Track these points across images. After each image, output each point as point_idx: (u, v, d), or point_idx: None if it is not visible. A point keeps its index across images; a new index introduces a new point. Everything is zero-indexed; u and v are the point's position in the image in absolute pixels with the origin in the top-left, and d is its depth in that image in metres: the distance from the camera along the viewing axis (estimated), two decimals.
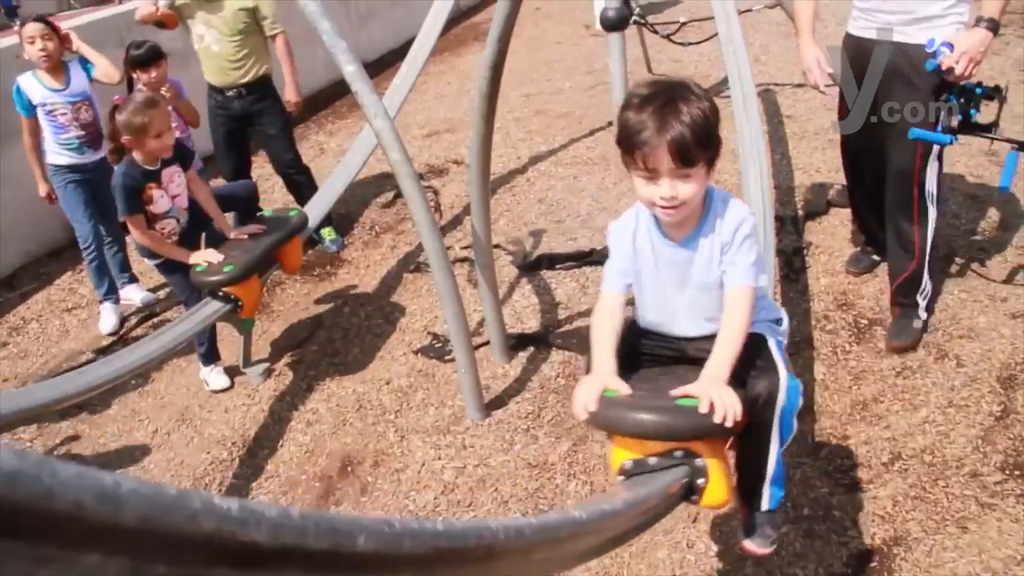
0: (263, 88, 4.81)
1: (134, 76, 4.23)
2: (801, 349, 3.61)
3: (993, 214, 4.42)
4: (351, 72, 2.96)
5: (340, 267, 4.85)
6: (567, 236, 4.85)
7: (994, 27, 3.12)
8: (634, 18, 5.99)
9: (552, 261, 4.57)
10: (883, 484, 2.95)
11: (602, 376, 1.86)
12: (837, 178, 4.95)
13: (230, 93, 4.69)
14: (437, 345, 4.00)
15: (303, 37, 7.41)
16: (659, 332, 2.07)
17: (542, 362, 3.79)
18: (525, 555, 1.14)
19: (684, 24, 6.37)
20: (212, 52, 4.64)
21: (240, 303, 3.53)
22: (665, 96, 1.75)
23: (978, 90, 3.12)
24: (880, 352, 3.57)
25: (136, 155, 3.38)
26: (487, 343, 3.81)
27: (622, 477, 1.84)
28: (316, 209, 4.26)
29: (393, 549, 0.87)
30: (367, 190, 5.75)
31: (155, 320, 4.52)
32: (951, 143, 3.19)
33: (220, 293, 3.49)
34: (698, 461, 1.79)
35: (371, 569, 0.86)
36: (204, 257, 3.51)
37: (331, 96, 7.82)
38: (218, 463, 3.43)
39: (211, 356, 3.89)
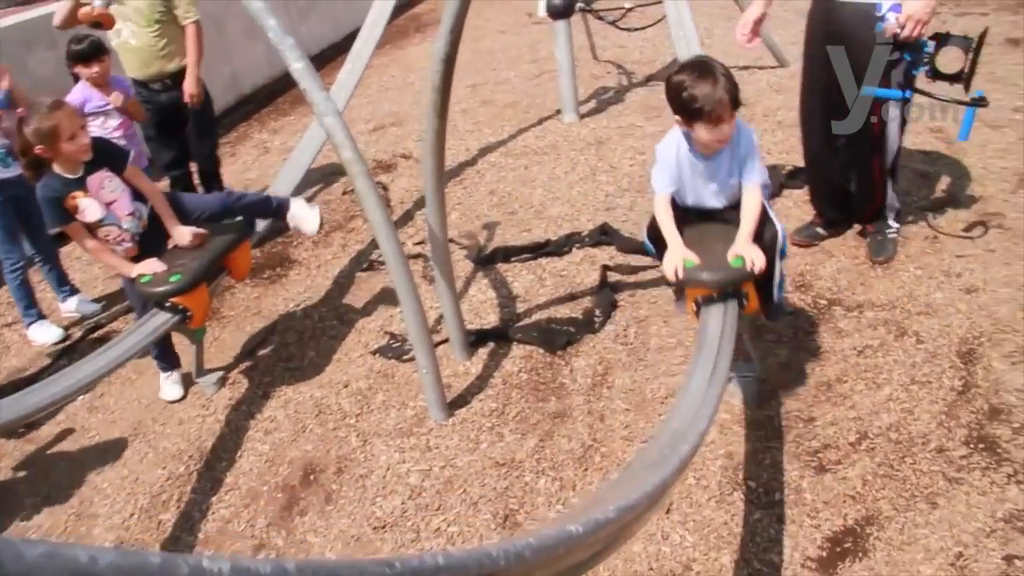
0: (176, 79, 4.75)
1: (76, 72, 4.07)
2: (762, 333, 3.61)
3: (942, 191, 4.46)
4: (299, 69, 2.86)
5: (291, 268, 4.73)
6: (521, 228, 4.79)
7: None
8: (579, 5, 5.95)
9: (508, 254, 4.51)
10: (852, 464, 2.95)
11: (679, 251, 2.76)
12: (789, 159, 4.98)
13: (156, 86, 4.58)
14: (395, 345, 3.92)
15: (244, 33, 7.29)
16: (694, 207, 2.97)
17: (503, 358, 3.74)
18: None
19: (630, 10, 6.34)
20: (131, 46, 4.54)
21: (189, 313, 3.40)
22: (711, 70, 2.61)
23: (925, 47, 3.20)
24: (841, 332, 3.58)
25: (55, 166, 3.23)
26: (446, 340, 3.74)
27: (695, 307, 2.79)
28: None
29: None
30: (313, 187, 5.62)
31: (102, 332, 4.36)
32: (902, 98, 3.26)
33: (167, 304, 3.36)
34: (741, 291, 2.76)
35: None
36: (148, 268, 3.38)
37: (272, 93, 7.67)
38: (175, 478, 3.31)
39: (168, 362, 3.77)
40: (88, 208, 3.31)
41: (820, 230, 4.23)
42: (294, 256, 4.84)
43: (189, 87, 4.71)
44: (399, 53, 8.39)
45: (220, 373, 3.83)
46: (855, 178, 3.92)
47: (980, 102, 3.38)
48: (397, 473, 3.17)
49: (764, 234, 2.80)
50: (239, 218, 3.78)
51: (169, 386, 3.76)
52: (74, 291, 4.54)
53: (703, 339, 2.59)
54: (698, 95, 2.57)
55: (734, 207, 2.87)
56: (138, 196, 3.46)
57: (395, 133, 6.44)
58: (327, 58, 8.29)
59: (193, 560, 0.63)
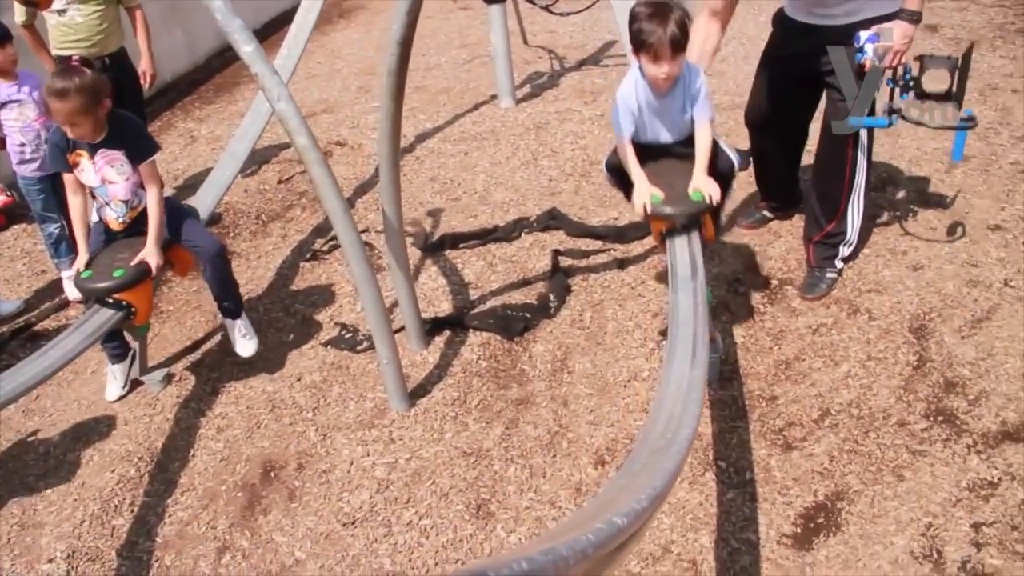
0: (123, 59, 4.64)
1: None
2: (718, 314, 3.63)
3: (881, 172, 4.56)
4: (249, 53, 2.73)
5: (230, 260, 4.56)
6: (467, 214, 4.73)
7: (916, 18, 3.20)
8: None
9: (456, 240, 4.44)
10: (817, 441, 2.99)
11: (646, 187, 2.94)
12: (735, 142, 5.01)
13: (96, 65, 4.38)
14: (347, 336, 3.82)
15: (161, 20, 7.00)
16: (650, 142, 3.10)
17: (460, 345, 3.68)
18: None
19: None
20: (76, 24, 4.39)
21: (133, 309, 3.24)
22: (663, 11, 2.72)
23: (907, 75, 3.18)
24: (795, 311, 3.63)
25: None
26: (401, 329, 3.66)
27: (662, 238, 2.98)
28: (206, 200, 3.98)
29: None
30: (247, 177, 5.44)
31: (31, 331, 4.14)
32: (891, 125, 3.23)
33: (110, 300, 3.19)
34: (701, 221, 2.95)
35: None
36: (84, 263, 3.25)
37: (194, 81, 7.40)
38: (126, 481, 3.16)
39: (119, 350, 3.59)
40: (86, 171, 3.23)
41: (767, 214, 4.29)
42: (233, 248, 4.68)
43: (147, 66, 4.69)
44: (324, 39, 8.18)
45: (165, 370, 3.67)
46: (814, 196, 3.80)
47: (970, 122, 3.35)
48: (362, 467, 3.09)
49: (718, 165, 3.03)
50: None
51: (112, 381, 3.60)
52: None
53: (675, 269, 2.80)
54: (645, 29, 2.75)
55: (686, 141, 3.07)
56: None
57: (327, 120, 6.29)
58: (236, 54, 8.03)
59: None
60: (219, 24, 2.76)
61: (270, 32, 8.19)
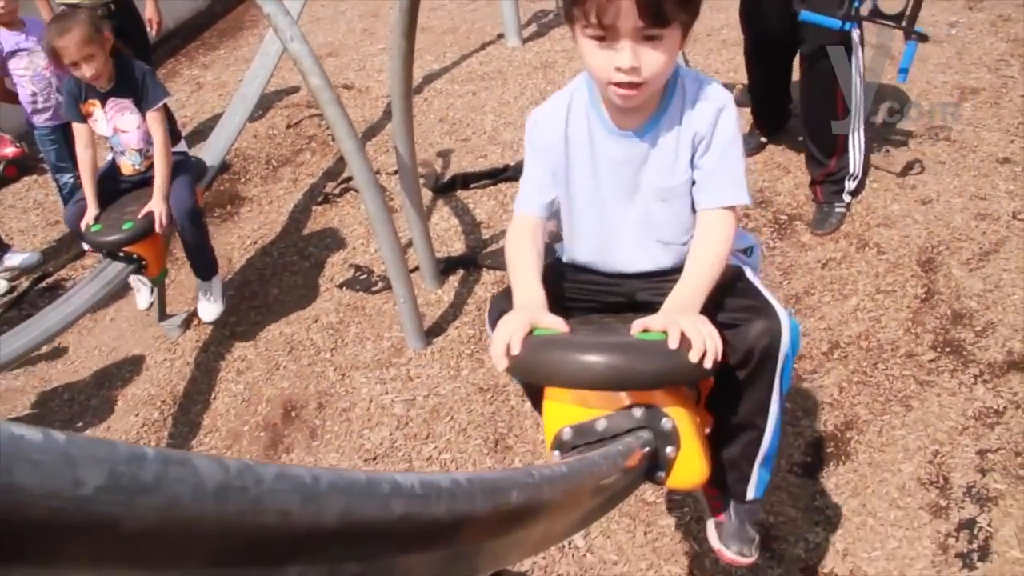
0: (128, 5, 4.60)
1: None
2: None
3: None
4: None
5: (241, 205, 4.61)
6: (476, 154, 4.74)
7: None
8: None
9: (466, 180, 4.46)
10: (827, 372, 3.04)
11: (529, 309, 1.40)
12: (735, 78, 4.99)
13: (99, 11, 4.35)
14: (362, 277, 3.87)
15: None
16: (594, 270, 1.62)
17: (474, 284, 3.73)
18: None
19: None
20: None
21: (144, 262, 3.26)
22: None
23: None
24: (804, 246, 3.66)
25: None
26: (416, 269, 3.70)
27: (557, 453, 1.38)
28: (218, 145, 4.01)
29: (535, 498, 0.81)
30: (254, 122, 5.44)
31: (49, 280, 4.20)
32: (843, 28, 3.27)
33: (121, 253, 3.20)
34: (664, 422, 1.33)
35: (521, 520, 0.80)
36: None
37: (198, 27, 7.34)
38: (150, 424, 3.25)
39: None
40: (99, 121, 3.25)
41: (763, 139, 4.33)
42: (243, 193, 4.71)
43: (152, 13, 4.72)
44: None
45: (183, 315, 3.74)
46: (808, 135, 3.81)
47: (922, 37, 3.40)
48: (381, 404, 3.16)
49: (749, 326, 1.41)
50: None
51: (140, 290, 3.66)
52: (4, 247, 4.29)
53: None
54: None
55: (676, 270, 1.50)
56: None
57: (333, 64, 6.25)
58: None
59: (390, 477, 0.62)
60: None
61: None
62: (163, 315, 3.68)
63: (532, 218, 1.60)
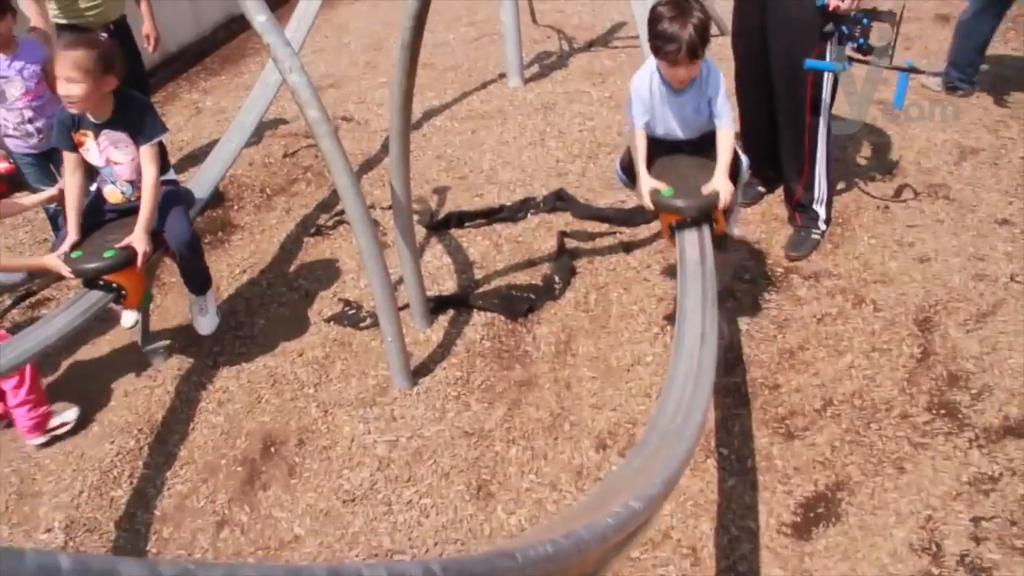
0: (124, 27, 4.59)
1: None
2: (723, 300, 3.61)
3: (891, 163, 4.54)
4: (262, 23, 2.70)
5: (233, 233, 4.55)
6: (473, 192, 4.71)
7: None
8: None
9: (461, 219, 4.42)
10: (819, 430, 2.99)
11: (649, 181, 2.99)
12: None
13: (102, 34, 4.34)
14: (350, 312, 3.81)
15: None
16: (664, 138, 3.14)
17: (464, 325, 3.67)
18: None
19: None
20: None
21: (123, 292, 3.15)
22: (683, 14, 2.72)
23: (864, 20, 3.30)
24: (800, 300, 3.62)
25: None
26: (406, 307, 3.64)
27: (670, 231, 2.98)
28: (212, 172, 3.96)
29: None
30: (250, 149, 5.40)
31: (33, 299, 4.13)
32: (844, 69, 3.44)
33: (100, 282, 3.10)
34: (711, 216, 2.94)
35: None
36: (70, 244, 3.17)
37: (200, 52, 7.34)
38: (125, 452, 3.16)
39: None
40: (91, 151, 3.19)
41: (761, 188, 4.35)
42: (236, 221, 4.66)
43: (149, 29, 4.69)
44: (331, 13, 8.10)
45: (166, 342, 3.66)
46: (783, 160, 3.99)
47: (913, 69, 3.52)
48: (363, 444, 3.08)
49: (733, 166, 3.03)
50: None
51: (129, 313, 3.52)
52: None
53: (684, 261, 2.82)
54: (664, 34, 2.75)
55: (700, 139, 3.12)
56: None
57: (333, 95, 6.24)
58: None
59: (354, 570, 0.56)
60: None
61: (276, 5, 8.12)
62: (146, 341, 3.60)
63: (641, 127, 3.06)
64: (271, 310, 3.91)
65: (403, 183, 3.27)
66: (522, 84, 6.07)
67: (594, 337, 3.53)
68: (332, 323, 3.76)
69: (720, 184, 2.89)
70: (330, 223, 4.52)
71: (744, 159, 3.09)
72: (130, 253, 3.09)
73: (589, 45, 6.78)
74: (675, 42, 2.71)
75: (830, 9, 3.36)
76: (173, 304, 4.01)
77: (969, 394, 3.06)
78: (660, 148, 3.13)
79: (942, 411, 3.00)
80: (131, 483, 3.04)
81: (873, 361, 3.26)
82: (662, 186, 2.95)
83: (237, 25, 7.82)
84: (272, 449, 3.11)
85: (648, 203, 2.98)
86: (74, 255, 3.12)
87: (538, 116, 5.55)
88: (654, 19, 2.78)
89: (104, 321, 3.81)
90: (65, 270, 3.10)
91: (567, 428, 3.10)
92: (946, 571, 2.43)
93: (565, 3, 7.58)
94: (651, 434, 1.78)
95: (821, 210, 3.88)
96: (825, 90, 3.63)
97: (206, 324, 3.58)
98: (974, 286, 3.56)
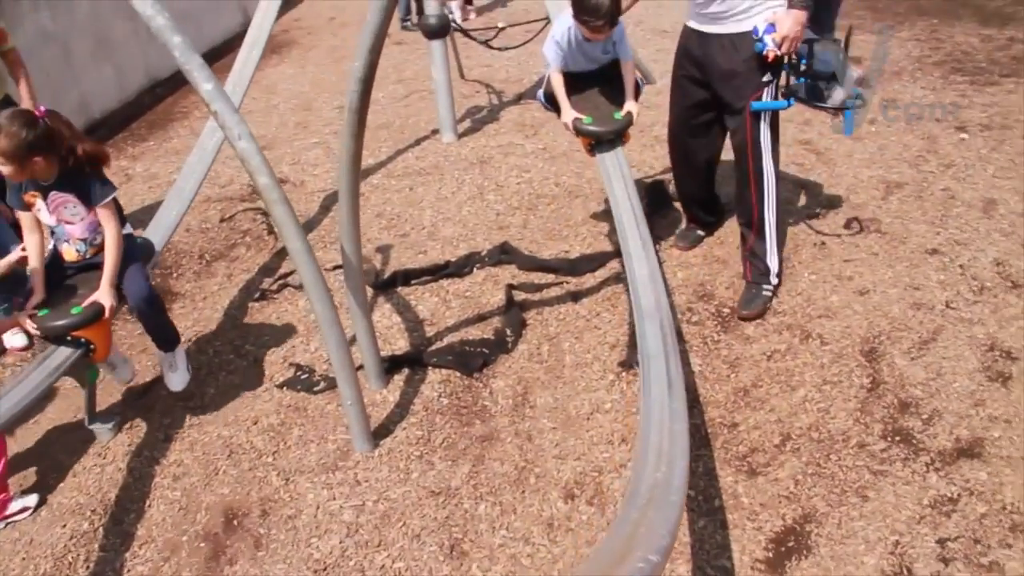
0: (9, 107, 4.40)
1: None
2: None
3: (822, 200, 4.70)
4: (209, 91, 2.69)
5: (174, 301, 4.46)
6: (416, 250, 4.71)
7: (806, 4, 3.37)
8: (453, 25, 5.93)
9: (408, 277, 4.42)
10: (780, 465, 3.04)
11: (571, 113, 3.65)
12: (667, 175, 5.11)
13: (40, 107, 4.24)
14: (303, 376, 3.76)
15: (91, 56, 6.87)
16: (576, 72, 3.74)
17: (420, 383, 3.65)
18: None
19: (502, 29, 6.37)
20: None
21: (92, 347, 3.19)
22: None
23: (803, 59, 3.48)
24: (748, 338, 3.70)
25: None
26: (360, 368, 3.61)
27: (591, 148, 3.73)
28: (155, 240, 3.87)
29: None
30: (186, 216, 5.32)
31: None
32: (789, 106, 3.56)
33: (68, 338, 3.14)
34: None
35: None
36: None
37: (126, 118, 7.23)
38: (79, 536, 3.04)
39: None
40: (42, 211, 3.20)
41: (699, 232, 4.45)
42: (176, 288, 4.57)
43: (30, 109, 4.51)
44: (258, 75, 7.96)
45: (115, 417, 3.55)
46: (736, 210, 4.05)
47: (857, 100, 3.65)
48: (329, 511, 3.03)
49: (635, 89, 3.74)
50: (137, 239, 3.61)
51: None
52: None
53: (614, 196, 3.46)
54: (588, 7, 3.32)
55: (604, 68, 3.75)
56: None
57: (266, 157, 6.20)
58: (180, 80, 7.88)
59: None
60: (178, 61, 2.72)
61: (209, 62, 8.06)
62: (92, 417, 3.49)
63: (558, 69, 3.67)
64: (220, 378, 3.83)
65: (354, 244, 3.26)
66: (456, 139, 6.13)
67: (551, 388, 3.55)
68: (285, 388, 3.70)
69: (630, 107, 3.64)
70: (274, 287, 4.47)
71: (643, 83, 3.85)
72: (97, 308, 3.13)
73: (519, 98, 6.89)
74: (599, 16, 3.31)
75: (770, 60, 3.44)
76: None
77: (920, 419, 3.15)
78: (573, 82, 3.72)
79: (897, 438, 3.09)
80: (88, 568, 2.92)
81: (825, 394, 3.34)
82: (583, 116, 3.62)
83: (163, 89, 7.75)
84: (235, 522, 3.03)
85: (570, 128, 3.68)
86: (41, 313, 3.15)
87: (475, 170, 5.60)
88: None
89: (45, 399, 3.69)
90: (33, 328, 3.13)
91: (533, 481, 3.09)
92: None
93: (491, 58, 7.69)
94: (639, 485, 1.80)
95: (773, 263, 3.84)
96: (763, 133, 3.67)
97: (177, 380, 3.61)
98: (913, 315, 3.70)
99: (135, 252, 3.42)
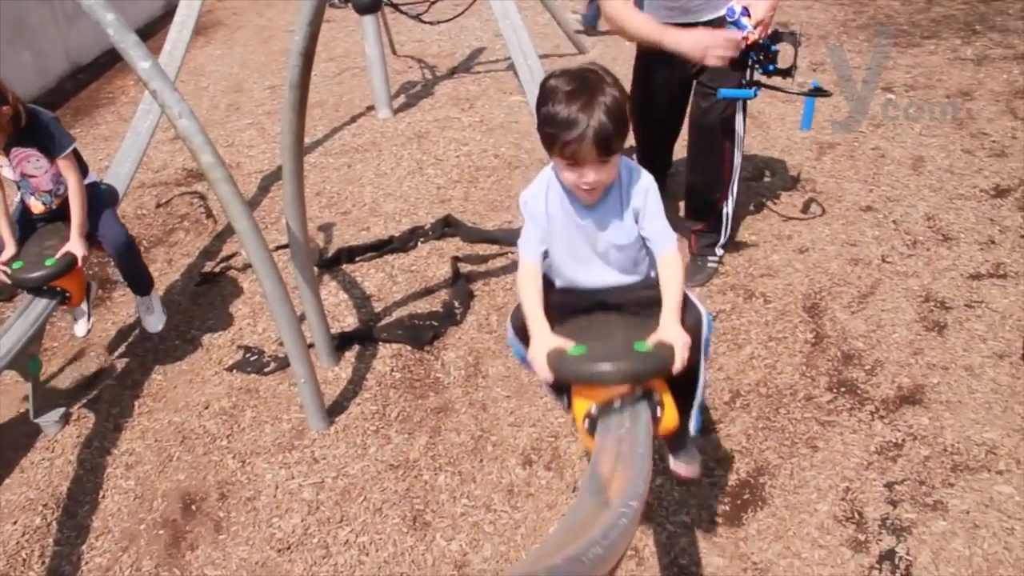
0: None
1: None
2: None
3: (759, 162, 4.79)
4: (146, 69, 2.64)
5: (113, 289, 4.36)
6: (359, 227, 4.68)
7: None
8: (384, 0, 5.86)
9: (352, 254, 4.39)
10: (732, 421, 3.12)
11: (548, 340, 2.03)
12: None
13: None
14: (252, 358, 3.72)
15: (6, 41, 6.62)
16: (574, 287, 2.25)
17: (372, 359, 3.64)
18: None
19: (434, 2, 6.32)
20: None
21: (68, 294, 3.41)
22: (588, 91, 1.90)
23: (771, 47, 3.37)
24: None
25: None
26: (311, 346, 3.58)
27: (587, 422, 1.98)
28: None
29: None
30: (122, 202, 5.20)
31: None
32: (755, 95, 3.44)
33: (45, 288, 3.31)
34: (655, 395, 2.00)
35: None
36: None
37: (47, 105, 6.89)
38: (32, 532, 2.98)
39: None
40: (4, 167, 3.29)
41: None
42: (114, 276, 4.47)
43: None
44: (186, 57, 7.90)
45: (61, 410, 3.47)
46: (692, 192, 4.00)
47: (820, 92, 3.63)
48: (288, 490, 3.02)
49: (684, 319, 2.05)
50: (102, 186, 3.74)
51: (81, 316, 3.72)
52: None
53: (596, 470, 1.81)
54: (559, 118, 1.91)
55: (629, 287, 2.21)
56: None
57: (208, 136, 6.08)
58: (104, 65, 7.69)
59: None
60: (112, 40, 2.66)
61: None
62: (37, 410, 3.41)
63: (533, 262, 2.16)
64: (167, 365, 3.77)
65: (299, 221, 3.23)
66: (392, 115, 6.08)
67: (502, 357, 3.57)
68: (235, 371, 3.66)
69: (671, 333, 1.97)
70: (216, 270, 4.40)
71: (704, 312, 2.12)
72: (70, 259, 3.28)
73: (452, 72, 6.86)
74: (576, 127, 1.87)
75: (748, 43, 3.35)
76: (62, 369, 3.81)
77: (864, 370, 3.26)
78: (575, 305, 2.22)
79: (842, 389, 3.19)
80: (43, 563, 2.86)
81: (771, 350, 3.42)
82: (569, 344, 1.98)
83: (85, 76, 7.52)
84: (193, 507, 3.00)
85: (546, 374, 1.98)
86: (15, 266, 3.28)
87: (412, 145, 5.57)
88: (546, 96, 1.96)
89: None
90: (8, 282, 3.29)
91: (490, 449, 3.12)
92: (871, 536, 2.58)
93: (423, 32, 7.63)
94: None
95: (723, 238, 3.88)
96: (739, 117, 3.68)
97: (154, 322, 3.84)
98: (851, 270, 3.81)
99: (103, 199, 3.56)
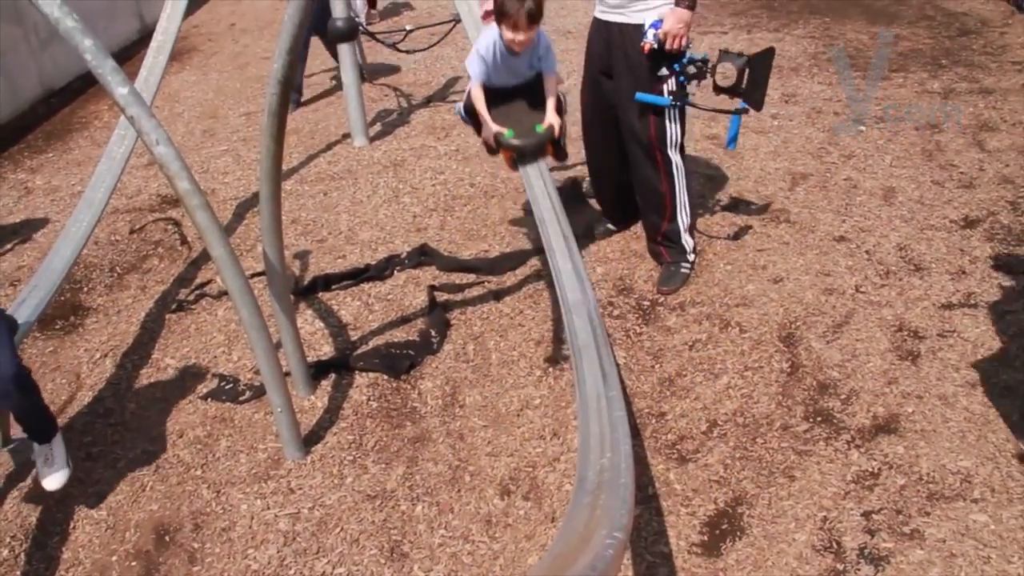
0: None
1: None
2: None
3: (732, 192, 4.84)
4: (124, 95, 2.62)
5: (86, 316, 4.31)
6: (334, 255, 4.67)
7: (691, 5, 3.55)
8: (361, 28, 5.89)
9: (328, 282, 4.37)
10: (709, 451, 3.12)
11: (492, 126, 3.42)
12: (584, 171, 5.19)
13: None
14: (227, 387, 3.68)
15: None
16: (502, 88, 3.51)
17: (348, 388, 3.62)
18: None
19: (410, 32, 6.36)
20: None
21: None
22: None
23: (699, 61, 3.65)
24: (669, 330, 3.78)
25: None
26: (287, 375, 3.55)
27: (513, 162, 3.50)
28: (65, 253, 3.72)
29: None
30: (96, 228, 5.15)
31: None
32: (670, 105, 3.72)
33: None
34: (546, 146, 3.47)
35: None
36: None
37: (20, 128, 6.94)
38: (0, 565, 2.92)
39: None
40: None
41: (611, 227, 4.58)
42: (87, 303, 4.42)
43: None
44: (161, 82, 7.88)
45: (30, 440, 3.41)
46: (641, 200, 4.17)
47: (743, 111, 3.78)
48: (264, 521, 2.98)
49: (557, 109, 3.50)
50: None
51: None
52: None
53: (534, 194, 3.34)
54: (507, 4, 3.17)
55: (528, 84, 3.54)
56: None
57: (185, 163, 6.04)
58: (77, 90, 7.64)
59: None
60: (90, 65, 2.64)
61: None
62: (7, 439, 3.34)
63: (479, 83, 3.45)
64: (140, 393, 3.72)
65: (276, 248, 3.21)
66: (367, 143, 6.09)
67: (479, 386, 3.56)
68: (210, 400, 3.62)
69: (552, 119, 3.44)
70: (191, 297, 4.36)
71: (566, 96, 3.62)
72: None
73: (427, 101, 6.89)
74: (516, 8, 3.14)
75: (645, 51, 3.64)
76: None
77: (839, 400, 3.28)
78: (495, 96, 3.54)
79: (818, 418, 3.21)
80: None
81: (748, 379, 3.44)
82: (504, 130, 3.43)
83: (57, 100, 7.47)
84: (167, 538, 2.95)
85: (490, 143, 3.54)
86: None
87: (388, 174, 5.58)
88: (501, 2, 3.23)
89: None
90: None
91: (468, 479, 3.10)
92: (849, 565, 2.59)
93: (398, 61, 7.68)
94: (586, 472, 1.83)
95: (688, 241, 4.04)
96: (670, 127, 3.83)
97: (55, 479, 2.97)
98: (826, 300, 3.84)
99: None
